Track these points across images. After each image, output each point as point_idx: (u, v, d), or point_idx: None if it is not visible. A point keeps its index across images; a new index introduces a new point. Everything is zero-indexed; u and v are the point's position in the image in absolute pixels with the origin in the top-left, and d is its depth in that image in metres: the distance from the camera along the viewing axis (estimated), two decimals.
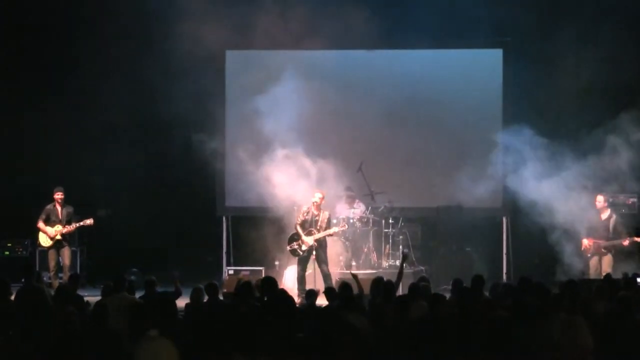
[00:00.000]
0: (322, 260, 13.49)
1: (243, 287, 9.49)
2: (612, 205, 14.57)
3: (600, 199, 13.55)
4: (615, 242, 13.32)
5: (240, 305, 9.07)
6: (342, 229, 13.80)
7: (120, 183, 16.10)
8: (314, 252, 13.46)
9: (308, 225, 13.53)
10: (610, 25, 14.85)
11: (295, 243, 13.62)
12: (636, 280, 10.21)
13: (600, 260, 13.25)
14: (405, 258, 11.25)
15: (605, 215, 13.51)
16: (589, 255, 13.34)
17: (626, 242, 13.26)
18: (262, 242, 15.10)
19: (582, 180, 13.92)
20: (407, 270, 14.71)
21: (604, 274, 12.74)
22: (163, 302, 9.01)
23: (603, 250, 13.28)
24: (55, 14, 16.02)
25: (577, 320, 8.14)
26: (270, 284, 9.62)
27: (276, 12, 14.69)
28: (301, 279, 13.49)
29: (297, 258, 13.65)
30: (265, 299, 9.42)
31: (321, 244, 13.54)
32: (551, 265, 14.34)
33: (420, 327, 8.14)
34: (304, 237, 13.47)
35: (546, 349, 7.99)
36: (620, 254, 13.57)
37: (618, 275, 11.43)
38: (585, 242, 13.36)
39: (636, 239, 13.20)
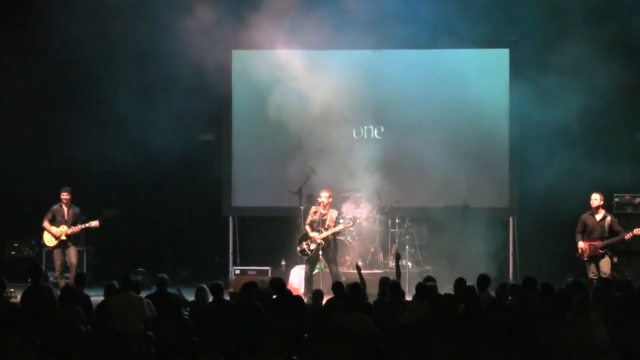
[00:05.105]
0: (330, 260, 13.44)
1: (249, 287, 9.44)
2: (618, 204, 14.52)
3: (596, 197, 13.05)
4: (615, 239, 12.89)
5: (247, 305, 9.06)
6: (347, 225, 13.74)
7: (126, 183, 16.11)
8: (322, 251, 13.43)
9: (317, 225, 13.47)
10: (615, 24, 14.84)
11: (304, 243, 13.56)
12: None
13: (598, 263, 12.95)
14: (398, 257, 11.29)
15: (599, 215, 13.04)
16: (585, 258, 13.06)
17: (628, 235, 12.82)
18: (268, 242, 15.07)
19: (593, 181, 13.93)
20: (414, 270, 14.75)
21: (603, 275, 12.62)
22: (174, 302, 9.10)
23: (600, 251, 12.94)
24: (56, 15, 16.02)
25: (585, 320, 8.12)
26: (279, 284, 9.63)
27: (281, 12, 14.68)
28: (309, 279, 13.46)
29: (305, 258, 13.64)
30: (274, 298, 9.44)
31: (330, 244, 13.47)
32: (558, 265, 14.32)
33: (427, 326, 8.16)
34: (311, 234, 13.44)
35: (551, 349, 8.00)
36: (619, 256, 13.47)
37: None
38: (581, 244, 13.03)
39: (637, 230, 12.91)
